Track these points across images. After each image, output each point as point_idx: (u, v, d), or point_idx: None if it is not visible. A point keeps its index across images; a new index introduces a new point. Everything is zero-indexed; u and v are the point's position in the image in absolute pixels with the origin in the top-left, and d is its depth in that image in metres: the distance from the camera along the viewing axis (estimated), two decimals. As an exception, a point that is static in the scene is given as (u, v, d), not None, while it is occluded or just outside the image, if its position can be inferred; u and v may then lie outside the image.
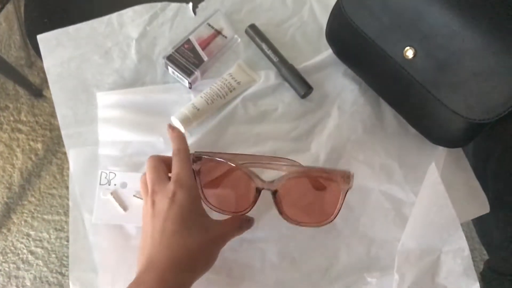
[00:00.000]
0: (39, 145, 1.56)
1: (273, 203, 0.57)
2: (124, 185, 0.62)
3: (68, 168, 1.51)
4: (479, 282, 0.58)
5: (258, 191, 0.57)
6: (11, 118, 1.59)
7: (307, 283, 0.60)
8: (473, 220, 1.09)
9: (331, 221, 0.57)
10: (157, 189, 0.53)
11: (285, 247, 0.61)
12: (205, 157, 0.58)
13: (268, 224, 0.62)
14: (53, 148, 1.56)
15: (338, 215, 0.57)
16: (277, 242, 0.61)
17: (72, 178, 0.63)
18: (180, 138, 0.58)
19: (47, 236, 1.46)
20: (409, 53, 0.58)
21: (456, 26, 0.54)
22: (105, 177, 0.62)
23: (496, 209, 0.94)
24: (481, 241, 1.12)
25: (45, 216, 1.48)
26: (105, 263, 0.59)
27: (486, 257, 1.16)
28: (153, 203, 0.53)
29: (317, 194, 0.60)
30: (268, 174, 0.60)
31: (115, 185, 0.62)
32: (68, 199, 1.48)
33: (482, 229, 1.06)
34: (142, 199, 0.61)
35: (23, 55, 1.65)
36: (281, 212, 0.58)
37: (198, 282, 0.58)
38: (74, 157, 0.64)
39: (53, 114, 1.59)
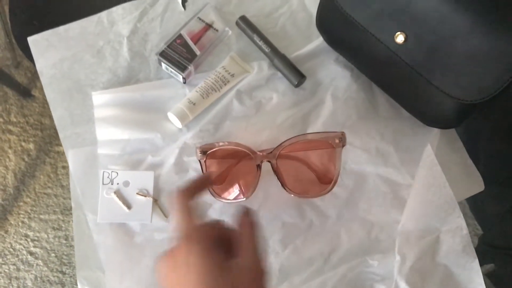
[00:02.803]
0: (31, 145, 1.55)
1: (275, 176, 0.60)
2: (126, 183, 0.62)
3: (62, 167, 1.52)
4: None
5: (258, 165, 0.60)
6: (1, 120, 1.58)
7: (311, 269, 0.61)
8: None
9: (333, 186, 0.61)
10: (179, 241, 0.45)
11: (287, 235, 0.62)
12: (211, 150, 0.60)
13: (269, 212, 0.63)
14: (45, 148, 1.55)
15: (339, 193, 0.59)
16: (279, 230, 0.62)
17: (73, 179, 0.64)
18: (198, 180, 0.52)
19: (45, 235, 1.47)
20: (400, 38, 0.59)
21: (445, 10, 0.55)
22: (108, 177, 0.62)
23: (489, 185, 0.96)
24: (475, 217, 1.15)
25: (42, 216, 1.48)
26: (111, 261, 0.60)
27: (480, 232, 1.18)
28: (174, 256, 0.45)
29: (315, 158, 0.63)
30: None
31: (117, 184, 0.62)
32: (64, 198, 1.48)
33: (475, 205, 1.08)
34: (145, 196, 0.62)
35: (9, 55, 1.63)
36: (283, 184, 0.60)
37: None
38: (73, 158, 0.65)
39: (43, 114, 1.58)
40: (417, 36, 0.58)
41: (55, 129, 1.58)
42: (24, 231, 1.46)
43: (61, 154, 1.54)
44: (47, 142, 1.55)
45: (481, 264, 1.14)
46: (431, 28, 0.56)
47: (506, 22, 0.52)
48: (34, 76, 1.63)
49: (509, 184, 0.95)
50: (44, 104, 1.60)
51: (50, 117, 1.58)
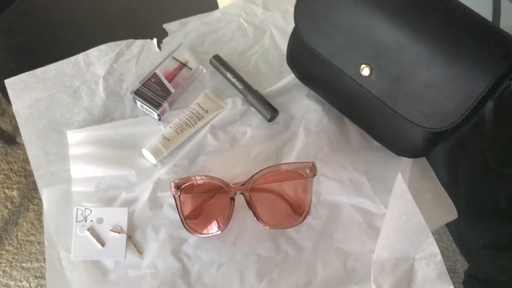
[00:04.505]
0: (15, 193, 1.54)
1: (248, 208, 0.61)
2: (100, 220, 0.62)
3: (45, 213, 1.50)
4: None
5: (232, 197, 0.61)
6: (-15, 168, 1.57)
7: (287, 302, 0.60)
8: (451, 230, 1.12)
9: (306, 216, 0.62)
10: None
11: (263, 267, 0.62)
12: (185, 185, 0.60)
13: (244, 246, 0.63)
14: (29, 195, 1.54)
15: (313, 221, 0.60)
16: (255, 263, 0.62)
17: (47, 217, 0.63)
18: None
19: (27, 285, 1.43)
20: (365, 71, 0.61)
21: (404, 42, 0.57)
22: (81, 214, 0.62)
23: (471, 217, 0.96)
24: (460, 251, 1.14)
25: (24, 264, 1.45)
26: (84, 299, 0.59)
27: (465, 267, 1.17)
28: None
29: (287, 189, 0.64)
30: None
31: (91, 221, 0.62)
32: (47, 245, 1.45)
33: (459, 239, 1.08)
34: (119, 233, 0.62)
35: (-7, 104, 1.65)
36: (256, 215, 0.61)
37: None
38: (48, 196, 0.65)
39: (27, 160, 1.58)
40: (381, 67, 0.60)
41: (39, 175, 1.57)
42: (5, 281, 1.43)
43: (45, 200, 1.53)
44: (31, 188, 1.54)
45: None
46: (393, 59, 0.58)
47: (461, 51, 0.55)
48: (16, 120, 1.64)
49: (491, 217, 0.96)
50: (29, 150, 1.60)
51: (35, 163, 1.59)
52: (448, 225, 1.11)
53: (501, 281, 0.97)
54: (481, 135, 0.87)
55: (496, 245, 0.96)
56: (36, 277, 1.44)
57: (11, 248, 1.47)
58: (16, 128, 1.64)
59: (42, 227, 1.50)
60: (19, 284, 1.43)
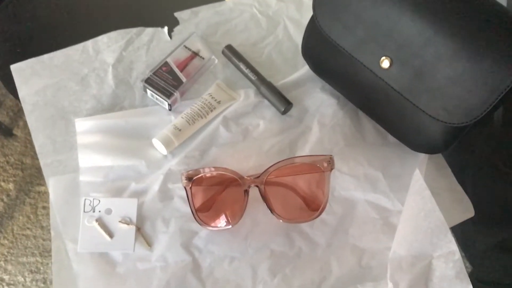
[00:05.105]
0: (11, 185, 1.51)
1: (263, 202, 0.59)
2: (108, 211, 0.60)
3: (42, 207, 1.47)
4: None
5: (246, 190, 0.59)
6: (-20, 160, 1.54)
7: (301, 299, 0.59)
8: (455, 231, 1.11)
9: (323, 210, 0.60)
10: None
11: (276, 263, 0.60)
12: (197, 176, 0.59)
13: (257, 240, 0.61)
14: (25, 188, 1.51)
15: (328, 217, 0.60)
16: (268, 258, 0.60)
17: (53, 207, 0.61)
18: None
19: (22, 279, 1.40)
20: (385, 63, 0.59)
21: (428, 34, 0.55)
22: (89, 204, 0.60)
23: (477, 219, 0.95)
24: (465, 253, 1.13)
25: (20, 259, 1.42)
26: (91, 292, 0.57)
27: (468, 269, 1.16)
28: None
29: (303, 183, 0.62)
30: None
31: (99, 211, 0.60)
32: (43, 239, 1.43)
33: (464, 240, 1.07)
34: (128, 224, 0.60)
35: (-9, 95, 1.62)
36: (271, 209, 0.59)
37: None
38: (54, 185, 0.62)
39: (24, 153, 1.56)
40: (402, 60, 0.58)
41: (36, 168, 1.55)
42: (-1, 275, 1.40)
43: (42, 194, 1.50)
44: (28, 182, 1.51)
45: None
46: (415, 52, 0.57)
47: (488, 45, 0.53)
48: (17, 115, 1.61)
49: (498, 219, 0.95)
50: (26, 143, 1.57)
51: (32, 156, 1.56)
52: (453, 226, 1.10)
53: (507, 285, 0.96)
54: (489, 136, 0.86)
55: (503, 247, 0.95)
56: (31, 271, 1.41)
57: (6, 242, 1.44)
58: (13, 120, 1.61)
59: (38, 221, 1.47)
60: (14, 278, 1.40)
